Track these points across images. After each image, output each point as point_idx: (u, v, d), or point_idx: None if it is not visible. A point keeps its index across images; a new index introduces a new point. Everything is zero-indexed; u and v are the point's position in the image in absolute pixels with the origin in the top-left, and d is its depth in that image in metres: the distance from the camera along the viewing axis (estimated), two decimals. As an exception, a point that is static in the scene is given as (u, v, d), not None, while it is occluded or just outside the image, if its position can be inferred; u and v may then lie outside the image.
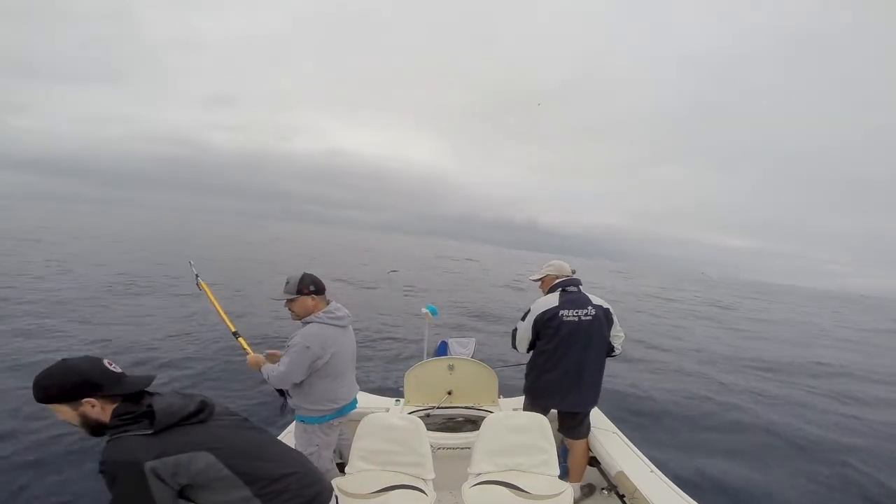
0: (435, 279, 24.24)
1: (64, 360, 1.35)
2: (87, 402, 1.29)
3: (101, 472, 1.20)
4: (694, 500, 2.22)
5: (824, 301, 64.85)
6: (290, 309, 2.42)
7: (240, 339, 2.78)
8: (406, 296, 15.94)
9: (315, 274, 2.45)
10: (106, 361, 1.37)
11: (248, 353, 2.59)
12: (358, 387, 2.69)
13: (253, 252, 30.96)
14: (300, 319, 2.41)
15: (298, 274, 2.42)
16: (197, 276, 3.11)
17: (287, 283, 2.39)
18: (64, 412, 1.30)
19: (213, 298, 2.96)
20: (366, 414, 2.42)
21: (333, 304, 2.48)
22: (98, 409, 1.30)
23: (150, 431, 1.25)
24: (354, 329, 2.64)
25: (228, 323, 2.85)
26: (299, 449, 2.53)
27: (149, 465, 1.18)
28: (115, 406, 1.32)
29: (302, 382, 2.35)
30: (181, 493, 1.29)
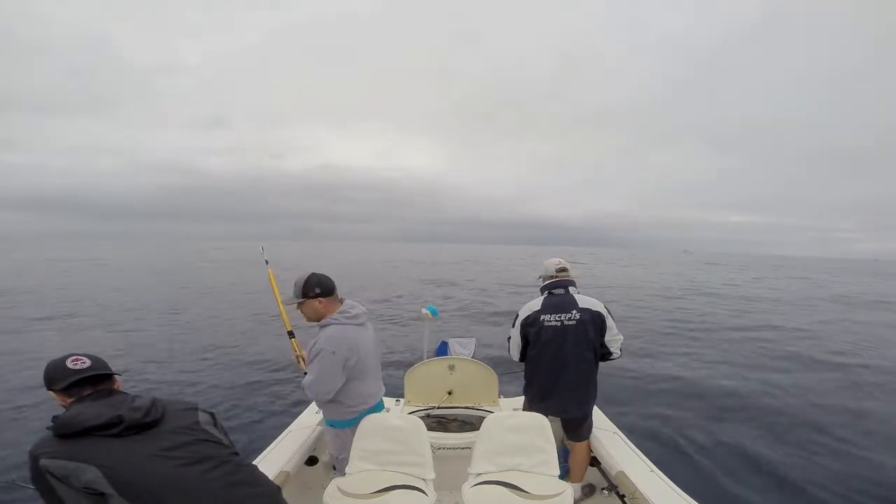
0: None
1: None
2: (50, 394, 1.44)
3: None
4: (694, 500, 2.21)
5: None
6: (301, 311, 2.35)
7: (293, 340, 2.72)
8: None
9: (325, 274, 2.36)
10: (70, 359, 1.43)
11: (297, 356, 2.59)
12: (384, 387, 2.58)
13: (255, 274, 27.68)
14: (314, 321, 2.34)
15: (304, 276, 2.33)
16: (266, 262, 3.12)
17: (294, 286, 2.33)
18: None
19: (276, 289, 2.87)
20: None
21: (348, 303, 2.38)
22: (61, 401, 1.43)
23: (53, 434, 1.31)
24: None
25: (286, 319, 2.76)
26: (333, 454, 2.49)
27: (42, 462, 1.24)
28: (71, 401, 1.41)
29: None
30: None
